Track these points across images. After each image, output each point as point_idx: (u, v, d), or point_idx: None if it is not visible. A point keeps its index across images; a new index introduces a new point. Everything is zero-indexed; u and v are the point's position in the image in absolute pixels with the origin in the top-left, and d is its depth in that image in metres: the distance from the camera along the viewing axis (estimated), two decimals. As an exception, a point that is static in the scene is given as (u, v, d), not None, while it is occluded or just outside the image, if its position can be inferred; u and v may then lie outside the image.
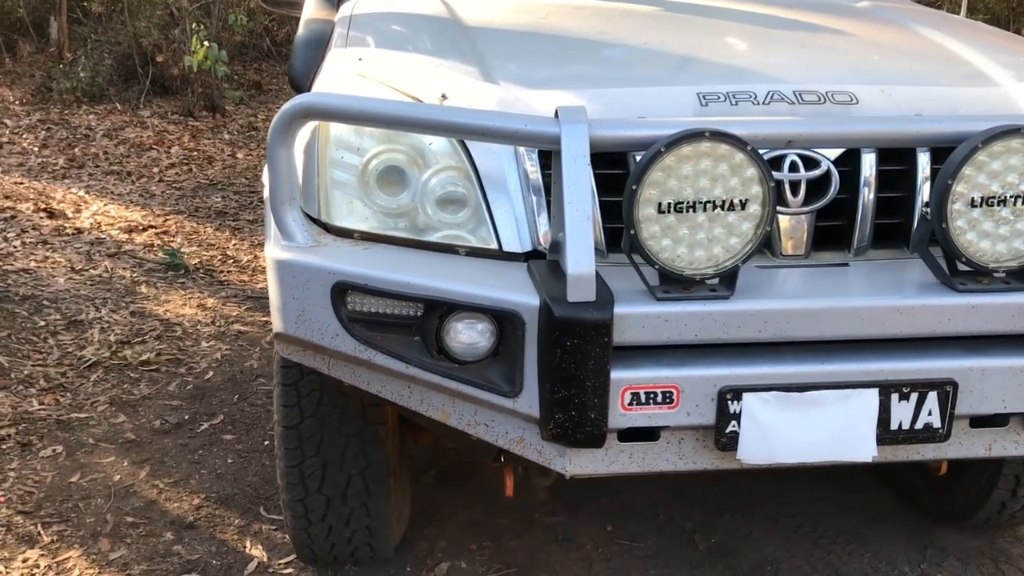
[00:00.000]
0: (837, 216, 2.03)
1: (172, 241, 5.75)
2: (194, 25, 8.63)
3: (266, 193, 2.36)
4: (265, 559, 2.82)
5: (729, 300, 1.79)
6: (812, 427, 1.83)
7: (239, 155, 7.92)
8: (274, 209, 1.97)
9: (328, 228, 2.07)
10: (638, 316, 1.76)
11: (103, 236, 5.76)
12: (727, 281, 1.80)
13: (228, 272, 5.39)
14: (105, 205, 6.36)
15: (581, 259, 1.71)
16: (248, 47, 10.30)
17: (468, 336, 1.86)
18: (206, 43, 8.01)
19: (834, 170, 2.00)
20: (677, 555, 2.87)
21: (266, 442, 3.51)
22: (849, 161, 2.01)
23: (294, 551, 2.79)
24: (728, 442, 1.85)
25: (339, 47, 2.49)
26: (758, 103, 2.04)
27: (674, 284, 1.81)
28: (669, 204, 1.73)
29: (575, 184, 1.72)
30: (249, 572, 2.77)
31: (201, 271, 5.32)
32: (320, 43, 2.72)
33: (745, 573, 2.78)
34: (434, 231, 2.02)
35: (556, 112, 1.79)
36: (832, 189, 2.00)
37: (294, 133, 1.91)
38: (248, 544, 2.90)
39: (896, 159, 2.03)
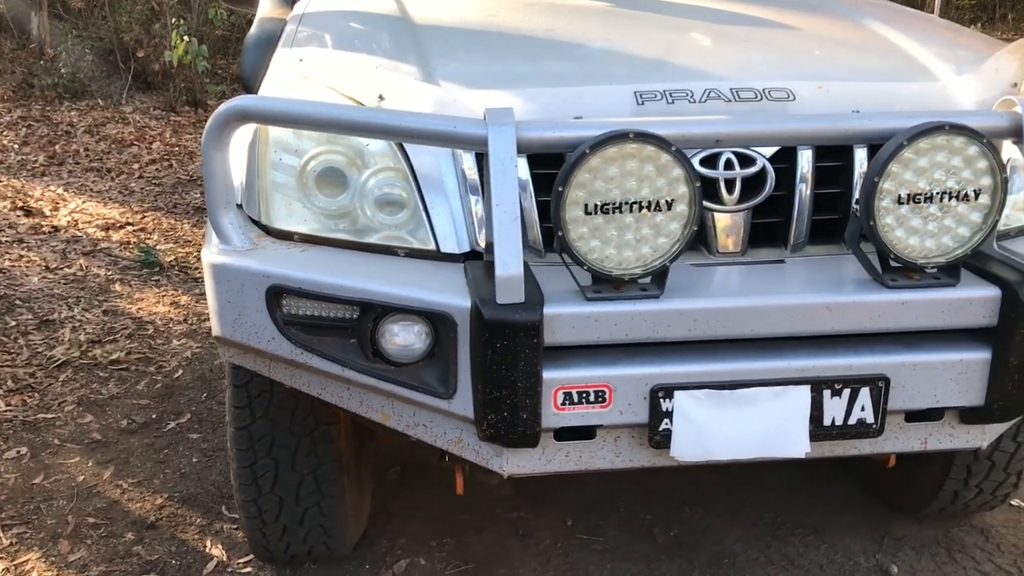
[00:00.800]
0: (774, 213, 2.04)
1: (149, 238, 5.74)
2: (174, 20, 8.60)
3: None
4: (224, 558, 2.83)
5: (659, 299, 1.80)
6: (744, 424, 1.84)
7: (219, 150, 7.90)
8: (210, 212, 1.97)
9: (269, 230, 2.07)
10: (568, 317, 1.77)
11: (80, 234, 5.76)
12: (657, 280, 1.81)
13: (202, 269, 5.38)
14: (83, 202, 6.35)
15: (509, 261, 1.71)
16: (230, 41, 10.27)
17: (403, 338, 1.87)
18: (186, 38, 7.99)
19: (769, 167, 2.01)
20: (635, 549, 2.88)
21: (232, 440, 3.51)
22: (786, 158, 2.02)
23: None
24: (662, 440, 1.86)
25: (286, 47, 2.49)
26: (695, 101, 2.04)
27: (605, 284, 1.82)
28: (596, 205, 1.73)
29: (502, 186, 1.72)
30: (208, 572, 2.78)
31: (176, 268, 5.32)
32: (270, 42, 2.71)
33: (702, 566, 2.80)
34: (374, 232, 2.03)
35: (484, 114, 1.79)
36: (767, 186, 2.00)
37: (228, 136, 1.91)
38: (208, 543, 2.91)
39: (834, 155, 2.03)
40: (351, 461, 2.61)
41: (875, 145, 1.97)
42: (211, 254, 1.95)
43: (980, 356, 1.87)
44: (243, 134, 2.23)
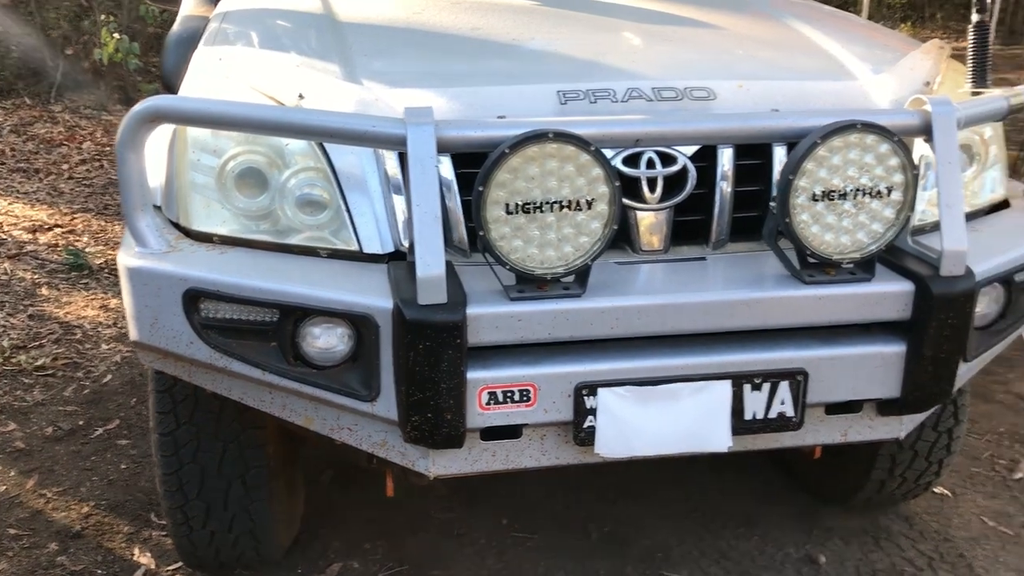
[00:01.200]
0: (696, 211, 2.05)
1: (78, 241, 5.61)
2: (104, 16, 8.41)
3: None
4: (153, 566, 2.78)
5: (581, 298, 1.80)
6: (667, 419, 1.85)
7: (151, 150, 7.75)
8: (126, 214, 1.93)
9: (188, 232, 2.04)
10: (491, 316, 1.76)
11: (4, 237, 5.61)
12: (580, 279, 1.81)
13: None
14: (9, 204, 6.18)
15: (430, 261, 1.70)
16: (162, 38, 10.05)
17: (325, 341, 1.85)
18: (117, 35, 7.82)
19: (690, 166, 2.02)
20: (570, 545, 2.89)
21: (162, 446, 3.44)
22: (707, 157, 2.04)
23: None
24: (586, 437, 1.87)
25: (207, 45, 2.45)
26: (617, 101, 2.05)
27: (529, 284, 1.82)
28: (517, 205, 1.73)
29: (423, 186, 1.71)
30: (135, 580, 2.73)
31: (106, 271, 5.20)
32: (192, 40, 2.67)
33: (635, 560, 2.82)
34: (296, 233, 2.00)
35: (404, 113, 1.78)
36: (688, 185, 2.02)
37: (143, 137, 1.87)
38: (136, 551, 2.85)
39: (754, 154, 2.06)
40: (280, 465, 2.58)
41: (794, 144, 2.01)
42: (127, 257, 1.90)
43: (895, 349, 1.91)
44: (162, 134, 2.19)
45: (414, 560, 2.84)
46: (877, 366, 1.91)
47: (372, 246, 1.95)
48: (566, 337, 1.80)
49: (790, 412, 1.91)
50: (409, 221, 1.85)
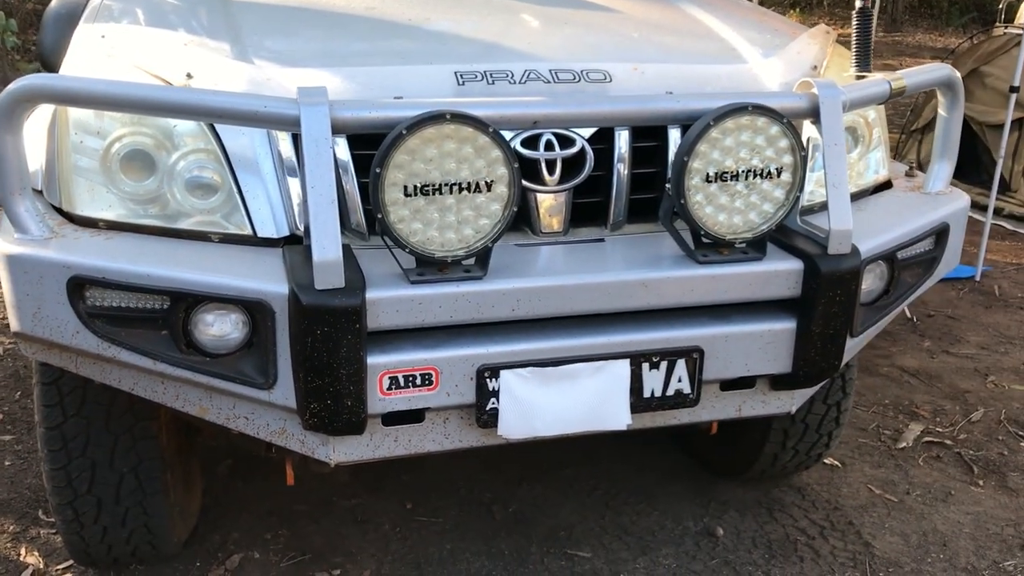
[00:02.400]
0: (594, 193, 2.07)
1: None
2: (-23, -8, 7.98)
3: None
4: (41, 565, 2.67)
5: (482, 280, 1.80)
6: (568, 399, 1.87)
7: (31, 132, 7.41)
8: (3, 199, 1.83)
9: (72, 218, 1.95)
10: (391, 300, 1.74)
11: None
12: (480, 262, 1.81)
13: None
14: None
15: (327, 245, 1.67)
16: (42, 15, 9.62)
17: (218, 328, 1.80)
18: (-10, 11, 7.43)
19: (588, 148, 2.04)
20: (474, 527, 2.90)
21: (49, 441, 3.31)
22: (604, 139, 2.05)
23: (67, 551, 2.67)
24: (489, 419, 1.87)
25: (89, 22, 2.34)
26: (514, 82, 2.05)
27: (429, 266, 1.80)
28: (416, 187, 1.71)
29: (317, 167, 1.68)
30: (22, 581, 2.62)
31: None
32: (72, 17, 2.55)
33: (540, 540, 2.85)
34: (186, 217, 1.94)
35: (297, 93, 1.74)
36: (587, 167, 2.03)
37: (19, 118, 1.78)
38: (23, 551, 2.73)
39: (649, 136, 2.08)
40: (174, 457, 2.51)
41: (688, 126, 2.04)
42: (5, 244, 1.81)
43: (786, 326, 1.97)
44: (42, 115, 2.09)
45: (316, 549, 2.80)
46: (769, 342, 1.96)
47: (266, 230, 1.91)
48: (467, 320, 1.80)
49: (687, 389, 1.94)
50: (304, 204, 1.81)
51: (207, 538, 2.81)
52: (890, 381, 3.90)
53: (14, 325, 1.87)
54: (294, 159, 1.92)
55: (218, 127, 1.91)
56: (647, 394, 1.93)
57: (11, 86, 1.75)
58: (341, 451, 1.88)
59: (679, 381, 1.93)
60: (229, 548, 2.79)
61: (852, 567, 2.73)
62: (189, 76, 1.96)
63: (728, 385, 2.04)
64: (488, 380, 1.83)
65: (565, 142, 2.02)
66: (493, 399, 1.85)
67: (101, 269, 1.76)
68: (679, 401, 1.95)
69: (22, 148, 1.82)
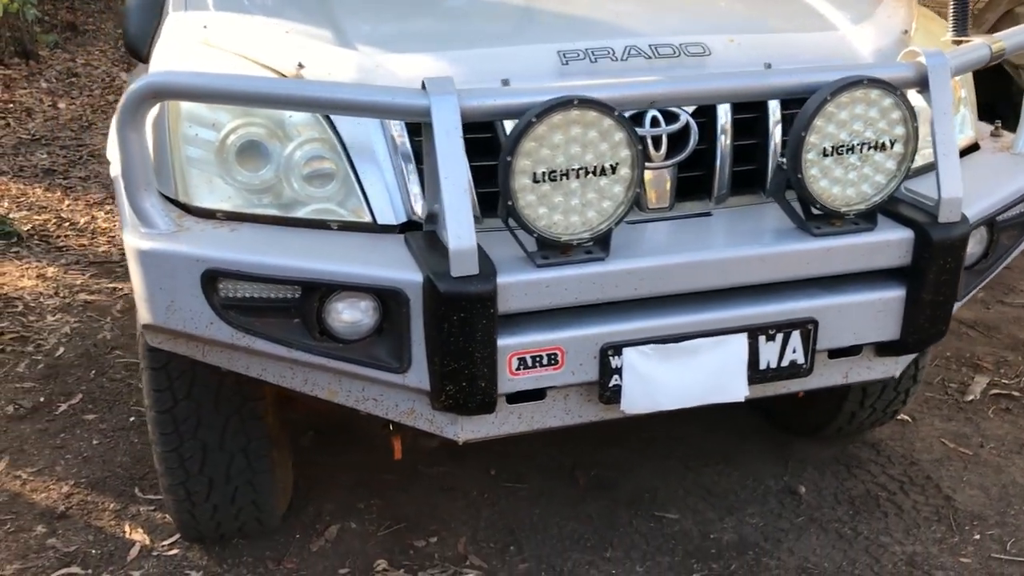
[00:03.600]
0: (697, 167, 2.10)
1: (-1, 206, 5.38)
2: (-4, -36, 7.92)
3: (114, 172, 2.24)
4: (147, 542, 2.75)
5: (605, 261, 1.83)
6: (689, 374, 1.92)
7: (60, 105, 7.42)
8: (130, 195, 1.87)
9: (188, 209, 1.99)
10: (520, 284, 1.78)
11: (-85, 208, 5.34)
12: (602, 243, 1.84)
13: (65, 237, 5.10)
14: (-88, 172, 5.88)
15: (462, 233, 1.71)
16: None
17: (351, 315, 1.84)
18: (12, -16, 7.39)
19: (692, 123, 2.06)
20: (560, 492, 2.97)
21: (132, 418, 3.39)
22: (705, 112, 2.08)
23: (177, 531, 2.74)
24: (612, 395, 1.92)
25: (179, 10, 2.35)
26: (616, 59, 2.06)
27: (552, 249, 1.84)
28: (544, 173, 1.74)
29: (449, 157, 1.70)
30: (132, 558, 2.70)
31: (36, 238, 5.02)
32: (156, 3, 2.56)
33: (626, 503, 2.91)
34: (302, 206, 1.98)
35: (423, 84, 1.76)
36: (691, 141, 2.06)
37: (144, 115, 1.81)
38: (127, 528, 2.81)
39: (749, 107, 2.10)
40: (278, 434, 2.57)
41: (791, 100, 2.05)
42: (136, 239, 1.85)
43: (896, 294, 2.01)
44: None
45: (410, 517, 2.87)
46: (879, 311, 2.00)
47: (385, 217, 1.94)
48: (592, 300, 1.84)
49: (801, 360, 1.99)
50: (433, 191, 1.83)
51: (302, 510, 2.89)
52: (950, 335, 3.92)
53: (145, 317, 1.91)
54: (408, 145, 1.95)
55: (333, 115, 1.93)
56: (763, 366, 1.97)
57: (136, 85, 1.78)
58: (469, 429, 1.94)
59: (793, 352, 1.97)
60: (325, 519, 2.87)
61: (936, 521, 2.80)
62: (301, 66, 1.98)
63: (836, 353, 2.08)
64: (611, 358, 1.88)
65: (669, 118, 2.04)
66: (616, 376, 1.89)
67: (236, 262, 1.80)
68: (793, 372, 2.00)
69: (146, 145, 1.85)
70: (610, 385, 1.90)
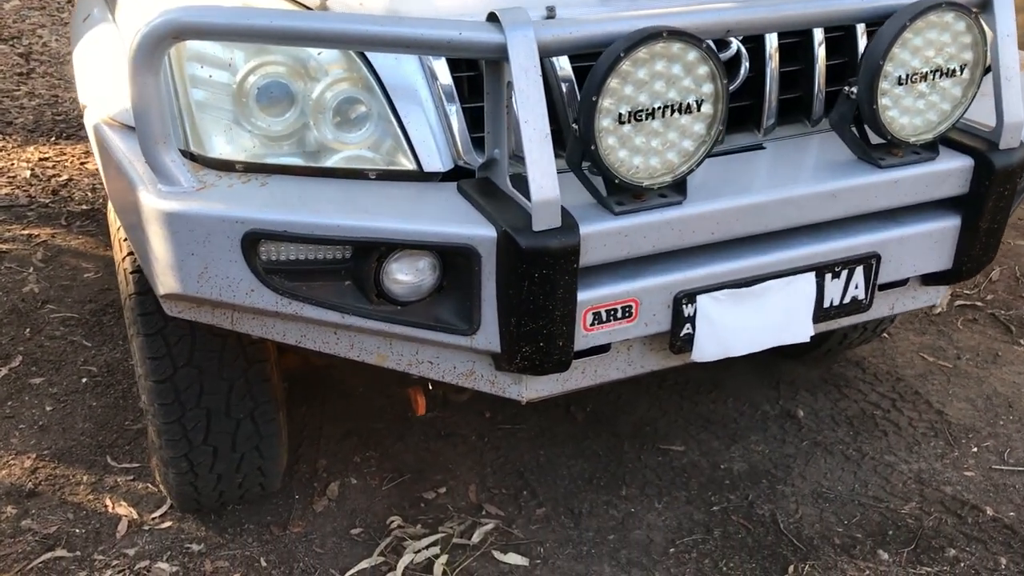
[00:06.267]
0: (744, 96, 1.99)
1: None
2: None
3: (94, 117, 1.98)
4: (134, 516, 2.55)
5: (682, 206, 1.72)
6: (759, 317, 1.84)
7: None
8: (146, 149, 1.64)
9: (200, 160, 1.77)
10: (600, 235, 1.65)
11: None
12: (678, 186, 1.72)
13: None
14: None
15: (544, 183, 1.56)
16: None
17: (410, 275, 1.68)
18: None
19: (743, 49, 1.94)
20: (560, 430, 2.90)
21: (83, 379, 3.13)
22: (752, 38, 1.96)
23: (168, 501, 2.56)
24: (683, 344, 1.83)
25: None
26: (662, -20, 1.91)
27: (622, 193, 1.71)
28: (628, 113, 1.60)
29: (529, 99, 1.54)
30: (122, 535, 2.50)
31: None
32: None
33: (629, 437, 2.87)
34: (332, 154, 1.78)
35: (492, 16, 1.58)
36: (743, 69, 1.95)
37: (161, 57, 1.57)
38: (108, 502, 2.60)
39: (791, 33, 1.99)
40: (282, 395, 2.40)
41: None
42: (156, 199, 1.63)
43: (952, 223, 1.97)
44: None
45: (412, 467, 2.76)
46: (936, 241, 1.96)
47: (432, 163, 1.77)
48: (668, 247, 1.73)
49: (862, 295, 1.94)
50: (496, 134, 1.67)
51: (295, 468, 2.73)
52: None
53: (171, 286, 1.70)
54: (450, 80, 1.77)
55: (368, 52, 1.73)
56: (827, 304, 1.91)
57: (153, 23, 1.54)
58: (533, 388, 1.82)
59: (856, 288, 1.92)
60: (322, 476, 2.72)
61: (934, 436, 2.86)
62: (327, -7, 1.76)
63: (884, 285, 2.04)
64: (685, 306, 1.78)
65: (719, 45, 1.92)
66: (688, 324, 1.80)
67: (282, 223, 1.60)
68: (854, 308, 1.95)
69: (163, 92, 1.61)
70: (682, 334, 1.81)
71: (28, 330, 3.41)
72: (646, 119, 1.62)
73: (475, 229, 1.61)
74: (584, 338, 1.73)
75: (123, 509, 2.58)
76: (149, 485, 2.66)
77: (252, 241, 1.62)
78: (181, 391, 2.16)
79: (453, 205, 1.69)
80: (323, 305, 1.67)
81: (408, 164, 1.77)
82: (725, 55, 1.92)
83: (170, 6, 1.54)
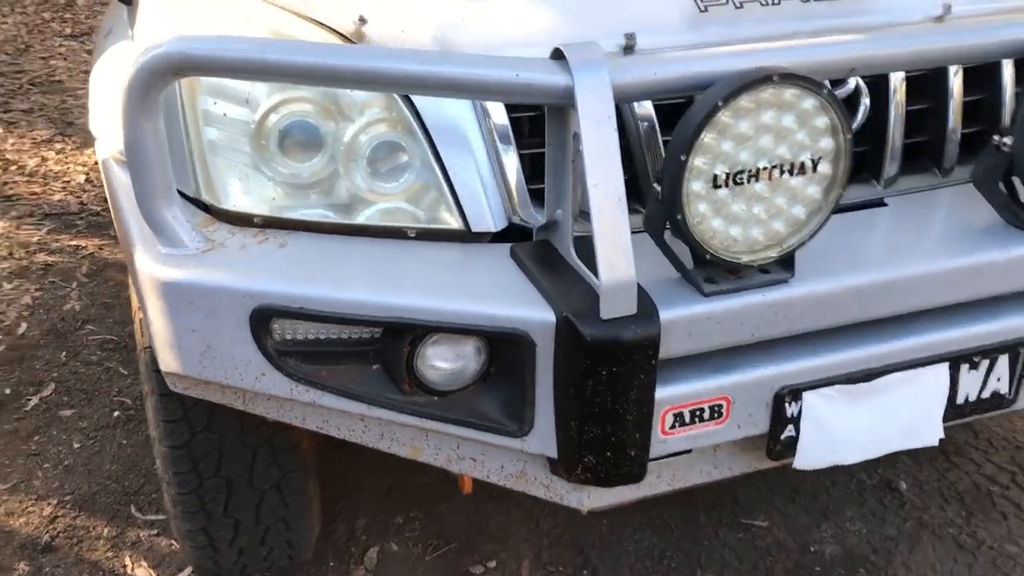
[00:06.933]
0: (861, 141, 1.65)
1: (-67, 144, 4.74)
2: None
3: (104, 153, 1.73)
4: (154, 578, 2.32)
5: (789, 284, 1.39)
6: (878, 418, 1.51)
7: (-7, 21, 6.67)
8: (143, 204, 1.37)
9: (213, 212, 1.50)
10: (685, 321, 1.33)
11: None
12: (784, 260, 1.39)
13: (14, 184, 4.50)
14: None
15: (617, 262, 1.25)
16: None
17: (450, 361, 1.39)
18: None
19: (862, 85, 1.60)
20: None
21: (115, 412, 2.92)
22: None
23: (188, 563, 2.32)
24: (783, 449, 1.50)
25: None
26: (766, 2, 1.58)
27: (713, 267, 1.38)
28: (725, 175, 1.28)
29: (601, 157, 1.23)
30: (139, 602, 2.27)
31: (-19, 179, 4.41)
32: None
33: (706, 508, 2.55)
34: (366, 207, 1.50)
35: (557, 53, 1.27)
36: (862, 108, 1.61)
37: (158, 95, 1.30)
38: (128, 562, 2.37)
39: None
40: (314, 460, 2.13)
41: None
42: (153, 264, 1.36)
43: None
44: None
45: (459, 535, 2.47)
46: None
47: (481, 221, 1.47)
48: (771, 336, 1.40)
49: (1005, 389, 1.59)
50: (557, 191, 1.37)
51: (332, 528, 2.47)
52: None
53: (170, 364, 1.44)
54: (507, 124, 1.47)
55: (409, 87, 1.43)
56: (960, 400, 1.57)
57: (149, 55, 1.26)
58: (596, 497, 1.51)
59: (998, 381, 1.57)
60: (360, 539, 2.46)
61: (1064, 523, 2.47)
62: (362, 20, 1.48)
63: None
64: (787, 405, 1.45)
65: (833, 82, 1.58)
66: (790, 426, 1.47)
67: (299, 298, 1.32)
68: (995, 404, 1.60)
69: (163, 137, 1.34)
70: (782, 437, 1.48)
71: (64, 353, 3.22)
72: (748, 181, 1.29)
73: (530, 311, 1.31)
74: (662, 443, 1.41)
75: (142, 571, 2.35)
76: (172, 543, 2.42)
77: (263, 318, 1.34)
78: (199, 459, 1.90)
79: (505, 277, 1.39)
80: (345, 395, 1.39)
81: (453, 222, 1.47)
82: (841, 92, 1.58)
83: (187, 29, 1.27)
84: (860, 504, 2.54)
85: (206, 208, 1.51)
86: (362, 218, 1.49)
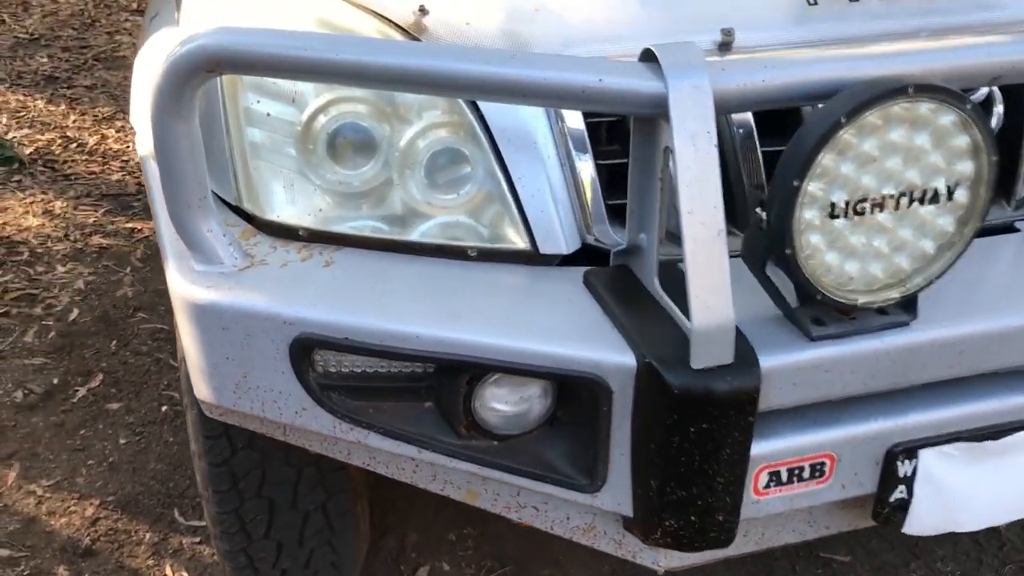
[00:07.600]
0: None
1: (-7, 125, 4.70)
2: None
3: (136, 129, 1.60)
4: (194, 591, 2.21)
5: (911, 328, 1.19)
6: (1004, 481, 1.30)
7: (59, -2, 6.64)
8: (175, 216, 1.23)
9: (255, 221, 1.35)
10: (789, 371, 1.14)
11: None
12: (905, 302, 1.19)
13: (73, 162, 4.43)
14: None
15: (713, 303, 1.06)
16: None
17: (512, 404, 1.22)
18: None
19: (995, 91, 1.39)
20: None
21: (163, 407, 2.82)
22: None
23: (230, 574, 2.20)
24: (892, 512, 1.31)
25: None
26: (886, -6, 1.37)
27: (821, 307, 1.19)
28: (844, 203, 1.08)
29: (698, 179, 1.04)
30: (178, 616, 2.16)
31: (40, 163, 4.35)
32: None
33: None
34: (422, 221, 1.33)
35: (647, 54, 1.08)
36: (995, 118, 1.39)
37: (193, 96, 1.15)
38: (169, 571, 2.27)
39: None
40: (364, 479, 1.99)
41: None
42: (187, 284, 1.22)
43: None
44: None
45: (514, 555, 2.32)
46: None
47: (551, 242, 1.29)
48: (887, 387, 1.20)
49: None
50: (639, 213, 1.19)
51: (382, 544, 2.34)
52: None
53: (203, 393, 1.30)
54: (583, 129, 1.29)
55: (475, 90, 1.26)
56: (1098, 459, 1.35)
57: (181, 50, 1.11)
58: (674, 556, 1.33)
59: None
60: (410, 557, 2.32)
61: None
62: (422, 11, 1.31)
63: None
64: (900, 463, 1.25)
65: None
66: (902, 487, 1.28)
67: (344, 328, 1.16)
68: None
69: (198, 140, 1.19)
70: (891, 500, 1.29)
71: (115, 342, 3.12)
72: (871, 211, 1.09)
73: (606, 353, 1.13)
74: (754, 504, 1.23)
75: (184, 581, 2.24)
76: (215, 552, 2.31)
77: (305, 348, 1.19)
78: (240, 477, 1.77)
79: (577, 309, 1.21)
80: (394, 436, 1.23)
81: (518, 241, 1.30)
82: (978, 96, 1.36)
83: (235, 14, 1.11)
84: (953, 543, 2.33)
85: (248, 218, 1.37)
86: (417, 233, 1.33)
